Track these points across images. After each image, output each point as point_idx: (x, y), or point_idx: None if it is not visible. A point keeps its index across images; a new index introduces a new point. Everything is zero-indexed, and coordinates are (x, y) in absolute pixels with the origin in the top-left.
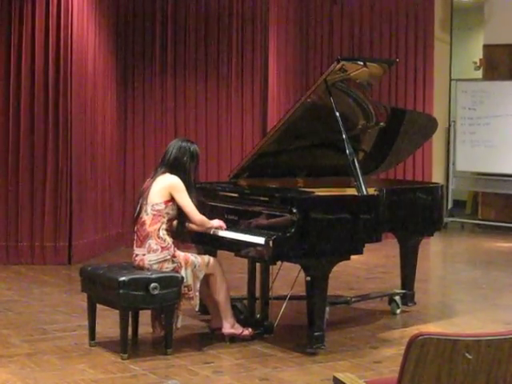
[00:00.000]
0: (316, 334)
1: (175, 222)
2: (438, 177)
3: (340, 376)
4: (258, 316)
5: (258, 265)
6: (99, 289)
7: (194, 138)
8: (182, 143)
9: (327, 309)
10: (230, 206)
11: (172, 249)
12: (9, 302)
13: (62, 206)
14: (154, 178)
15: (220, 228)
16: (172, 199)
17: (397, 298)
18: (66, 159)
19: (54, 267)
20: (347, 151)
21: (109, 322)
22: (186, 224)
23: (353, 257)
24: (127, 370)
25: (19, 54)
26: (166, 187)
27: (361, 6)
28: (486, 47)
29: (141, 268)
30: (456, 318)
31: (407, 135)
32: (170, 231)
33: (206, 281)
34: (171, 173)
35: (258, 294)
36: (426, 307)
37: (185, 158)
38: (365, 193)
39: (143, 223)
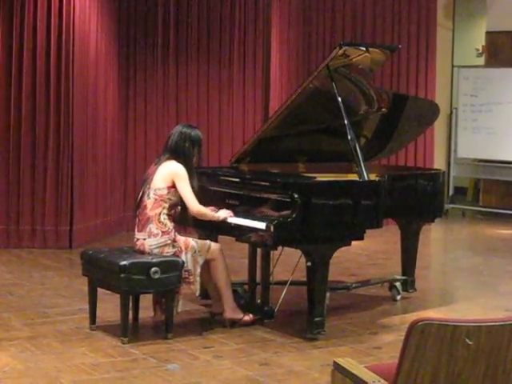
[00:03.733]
0: (316, 319)
1: (179, 208)
2: (439, 163)
3: (340, 361)
4: (259, 301)
5: (258, 250)
6: (100, 273)
7: (195, 123)
8: (183, 129)
9: (328, 294)
10: (232, 191)
11: (172, 233)
12: (10, 286)
13: (63, 189)
14: (158, 164)
15: (226, 218)
16: (174, 185)
17: (397, 284)
18: (67, 143)
19: (55, 251)
20: (349, 137)
21: (109, 306)
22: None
23: (354, 242)
24: (127, 354)
25: (21, 41)
26: (169, 173)
27: None
28: (489, 34)
29: (141, 252)
30: (456, 305)
31: (409, 121)
32: (173, 216)
33: (207, 266)
34: (177, 160)
35: (258, 279)
36: (427, 293)
37: (186, 144)
38: (366, 178)
39: (145, 207)
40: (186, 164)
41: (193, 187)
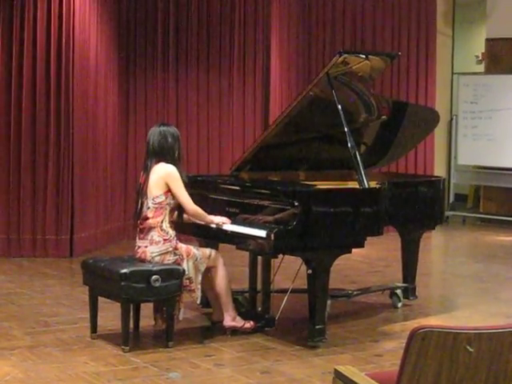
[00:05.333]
0: (317, 327)
1: (176, 213)
2: (439, 170)
3: (341, 369)
4: (260, 309)
5: (259, 258)
6: (101, 281)
7: (195, 130)
8: (161, 128)
9: (328, 302)
10: (232, 199)
11: (174, 241)
12: (11, 295)
13: (63, 198)
14: (147, 171)
15: (221, 225)
16: (170, 189)
17: (398, 291)
18: (67, 152)
19: (56, 260)
20: (349, 144)
21: (110, 314)
22: (185, 216)
23: (354, 250)
24: (128, 363)
25: (21, 44)
26: (162, 177)
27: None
28: (489, 41)
29: (142, 260)
30: (457, 312)
31: (409, 129)
32: (173, 223)
33: (208, 273)
34: (164, 160)
35: (259, 287)
36: (428, 301)
37: (169, 140)
38: (366, 186)
39: (145, 217)
40: (173, 159)
41: (183, 181)
